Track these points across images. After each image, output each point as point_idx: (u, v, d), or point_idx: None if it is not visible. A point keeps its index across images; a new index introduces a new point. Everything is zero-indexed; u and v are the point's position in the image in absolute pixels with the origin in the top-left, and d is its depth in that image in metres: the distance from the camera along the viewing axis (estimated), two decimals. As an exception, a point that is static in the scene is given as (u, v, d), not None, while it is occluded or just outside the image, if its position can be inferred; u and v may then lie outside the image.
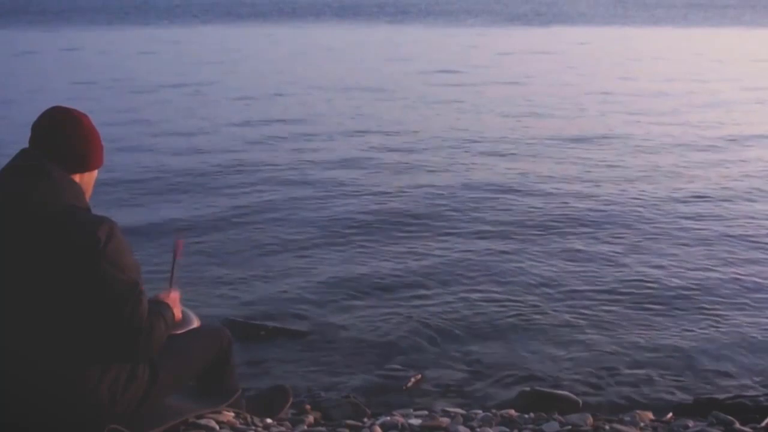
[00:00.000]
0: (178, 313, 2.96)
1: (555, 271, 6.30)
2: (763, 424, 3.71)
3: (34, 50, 27.92)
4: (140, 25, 42.97)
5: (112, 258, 2.57)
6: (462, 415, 3.83)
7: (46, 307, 2.59)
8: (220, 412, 3.31)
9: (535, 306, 5.64)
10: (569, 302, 5.70)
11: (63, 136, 2.73)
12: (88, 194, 2.81)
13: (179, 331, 3.02)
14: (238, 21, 47.63)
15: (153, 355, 2.75)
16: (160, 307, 2.80)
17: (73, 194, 2.67)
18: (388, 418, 3.67)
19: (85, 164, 2.78)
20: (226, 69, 22.11)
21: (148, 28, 40.82)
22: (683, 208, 8.12)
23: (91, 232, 2.55)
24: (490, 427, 3.64)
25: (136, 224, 7.43)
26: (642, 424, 3.77)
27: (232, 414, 3.36)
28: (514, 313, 5.53)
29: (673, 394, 4.45)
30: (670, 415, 4.10)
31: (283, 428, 3.44)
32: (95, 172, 2.86)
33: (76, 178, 2.75)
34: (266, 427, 3.41)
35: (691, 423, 3.76)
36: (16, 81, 19.46)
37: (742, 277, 6.19)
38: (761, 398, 4.08)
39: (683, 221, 7.66)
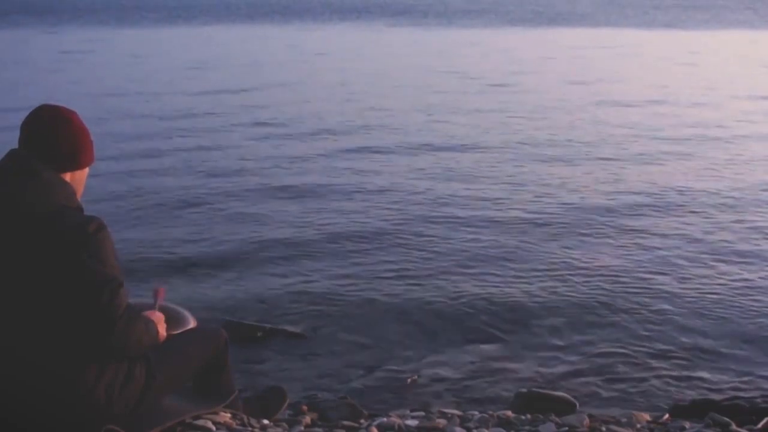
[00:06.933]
0: (162, 331, 2.91)
1: (551, 272, 6.30)
2: (760, 425, 3.71)
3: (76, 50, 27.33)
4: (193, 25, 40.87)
5: (95, 251, 2.55)
6: (459, 416, 3.83)
7: (42, 308, 2.58)
8: (216, 413, 3.30)
9: (531, 307, 5.64)
10: (566, 303, 5.70)
11: (52, 135, 2.70)
12: (79, 192, 2.78)
13: (176, 332, 3.02)
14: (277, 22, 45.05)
15: (130, 349, 2.69)
16: (144, 316, 2.77)
17: (63, 194, 2.65)
18: (385, 419, 3.66)
19: (76, 162, 2.76)
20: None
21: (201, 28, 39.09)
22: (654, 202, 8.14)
23: (81, 231, 2.55)
24: (487, 428, 3.64)
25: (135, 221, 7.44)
26: (638, 426, 3.77)
27: (229, 415, 3.35)
28: (511, 313, 5.53)
29: (669, 395, 4.46)
30: (666, 416, 4.10)
31: (279, 429, 3.43)
32: (86, 170, 2.83)
33: (67, 176, 2.72)
34: (263, 428, 3.41)
35: (687, 424, 3.76)
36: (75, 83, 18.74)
37: (740, 279, 6.20)
38: (758, 400, 4.09)
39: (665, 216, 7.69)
